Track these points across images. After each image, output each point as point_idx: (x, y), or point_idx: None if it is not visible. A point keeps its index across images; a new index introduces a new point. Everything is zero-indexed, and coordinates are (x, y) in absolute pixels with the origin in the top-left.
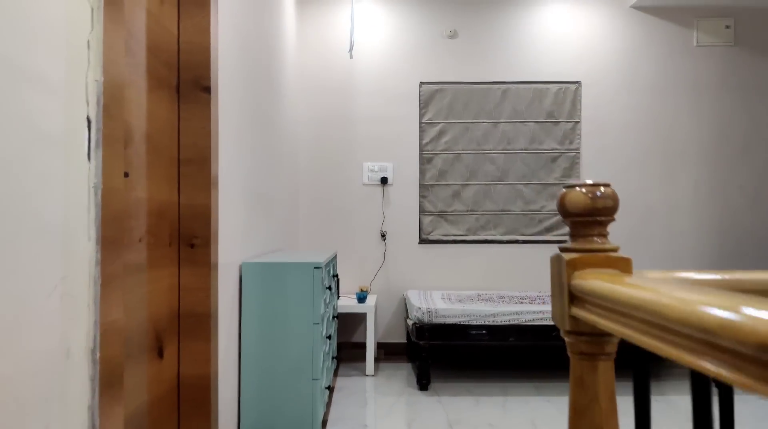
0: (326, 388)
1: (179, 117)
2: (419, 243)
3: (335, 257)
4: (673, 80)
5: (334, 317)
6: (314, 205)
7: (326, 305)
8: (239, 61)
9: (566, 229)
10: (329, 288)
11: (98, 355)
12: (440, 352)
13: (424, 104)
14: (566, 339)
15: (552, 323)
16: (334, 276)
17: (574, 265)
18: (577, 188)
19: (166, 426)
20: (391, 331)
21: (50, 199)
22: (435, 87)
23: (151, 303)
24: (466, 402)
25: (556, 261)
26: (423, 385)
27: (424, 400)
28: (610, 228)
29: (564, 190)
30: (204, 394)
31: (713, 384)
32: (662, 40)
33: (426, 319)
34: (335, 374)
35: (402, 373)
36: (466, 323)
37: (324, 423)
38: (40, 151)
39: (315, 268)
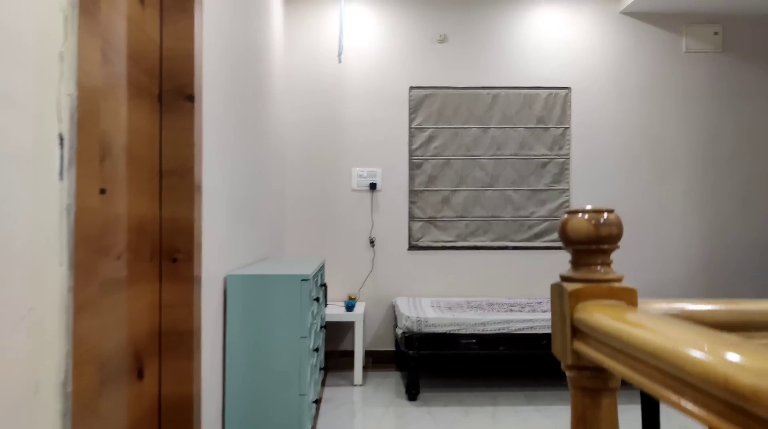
0: (313, 402)
1: (161, 127)
2: (408, 249)
3: (323, 266)
4: (662, 86)
5: (321, 327)
6: (302, 212)
7: (314, 317)
8: (224, 67)
9: (555, 235)
10: (317, 299)
11: (70, 388)
12: (429, 361)
13: (414, 109)
14: (567, 373)
15: (542, 332)
16: (322, 285)
17: (576, 297)
18: (580, 214)
19: None
20: (379, 339)
21: (17, 223)
22: (425, 92)
23: (131, 322)
24: (455, 413)
25: (557, 291)
26: (412, 395)
27: (413, 411)
28: None
29: (566, 215)
30: (186, 413)
31: None
32: (652, 46)
33: (415, 329)
34: (323, 384)
35: (390, 382)
36: (456, 332)
37: None
38: (5, 173)
39: (302, 280)
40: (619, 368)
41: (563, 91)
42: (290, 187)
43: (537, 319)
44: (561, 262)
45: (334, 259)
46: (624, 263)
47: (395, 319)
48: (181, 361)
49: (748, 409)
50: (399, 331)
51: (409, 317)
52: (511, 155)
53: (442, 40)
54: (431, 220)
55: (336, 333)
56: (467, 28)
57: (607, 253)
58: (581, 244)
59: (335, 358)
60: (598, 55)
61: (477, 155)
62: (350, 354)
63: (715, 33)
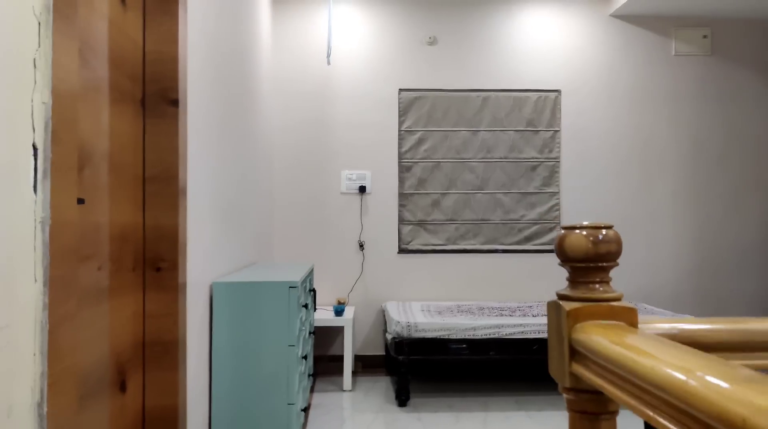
0: (302, 410)
1: (144, 132)
2: (398, 253)
3: (312, 271)
4: (652, 89)
5: (310, 333)
6: (290, 215)
7: (302, 323)
8: (209, 69)
9: (546, 238)
10: (305, 306)
11: (45, 409)
12: (420, 367)
13: (404, 111)
14: (565, 395)
15: (533, 336)
16: (310, 291)
17: (575, 317)
18: (577, 231)
19: None
20: (369, 344)
21: None
22: (414, 94)
23: (114, 334)
24: (446, 419)
25: (554, 309)
26: (402, 401)
27: (403, 417)
28: None
29: (562, 231)
30: (171, 426)
31: None
32: (642, 49)
33: (405, 334)
34: (312, 390)
35: (380, 387)
36: (446, 337)
37: None
38: None
39: (290, 287)
40: (621, 396)
41: (553, 94)
42: (278, 190)
43: (528, 323)
44: (551, 265)
45: (323, 263)
46: (614, 268)
47: (385, 323)
48: (166, 372)
49: None
50: (389, 336)
51: (399, 322)
52: (501, 158)
53: (432, 42)
54: (421, 224)
55: (325, 338)
56: (457, 29)
57: (606, 270)
58: (579, 261)
59: (324, 363)
60: (588, 57)
61: (467, 158)
62: (339, 359)
63: (704, 36)
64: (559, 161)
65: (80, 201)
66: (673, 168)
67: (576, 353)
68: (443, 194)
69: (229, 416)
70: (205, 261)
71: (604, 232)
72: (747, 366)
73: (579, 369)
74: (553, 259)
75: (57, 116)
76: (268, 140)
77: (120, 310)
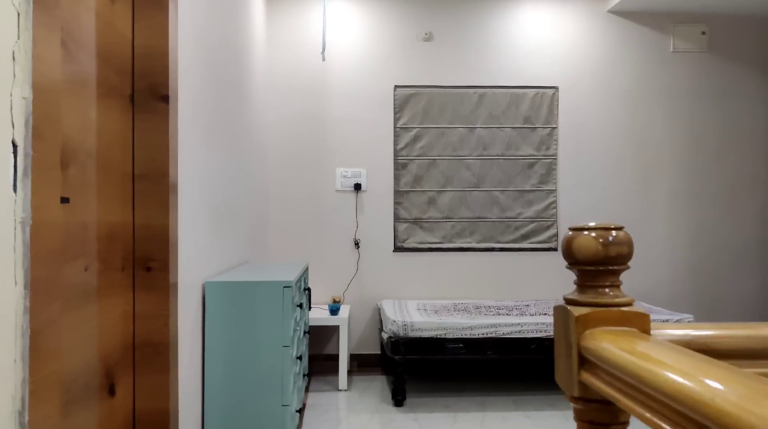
0: (297, 411)
1: (134, 129)
2: (394, 251)
3: (307, 270)
4: (650, 86)
5: (305, 333)
6: (285, 213)
7: (297, 323)
8: (202, 65)
9: (543, 236)
10: (300, 305)
11: (27, 417)
12: (416, 366)
13: (399, 108)
14: (573, 405)
15: (530, 336)
16: (305, 289)
17: (584, 323)
18: (586, 232)
19: None
20: (364, 342)
21: None
22: (410, 91)
23: (102, 336)
24: (443, 420)
25: (561, 314)
26: (398, 401)
27: (399, 417)
28: None
29: (570, 233)
30: None
31: None
32: (639, 45)
33: (401, 333)
34: (307, 390)
35: (376, 387)
36: (443, 336)
37: None
38: None
39: (285, 287)
40: (635, 408)
41: (550, 91)
42: (273, 188)
43: (525, 322)
44: (548, 263)
45: (318, 262)
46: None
47: (380, 322)
48: (157, 375)
49: None
50: (385, 336)
51: (395, 321)
52: (498, 155)
53: (428, 38)
54: (417, 222)
55: (320, 336)
56: (453, 25)
57: (617, 274)
58: (588, 264)
59: (320, 362)
60: (586, 54)
61: (463, 155)
62: (335, 358)
63: (702, 33)
64: (556, 158)
65: (64, 200)
66: (670, 165)
67: (585, 361)
68: (439, 192)
69: (223, 419)
70: (197, 260)
71: (614, 233)
72: (765, 374)
73: (589, 378)
74: (551, 258)
75: (38, 112)
76: (262, 137)
77: (109, 312)
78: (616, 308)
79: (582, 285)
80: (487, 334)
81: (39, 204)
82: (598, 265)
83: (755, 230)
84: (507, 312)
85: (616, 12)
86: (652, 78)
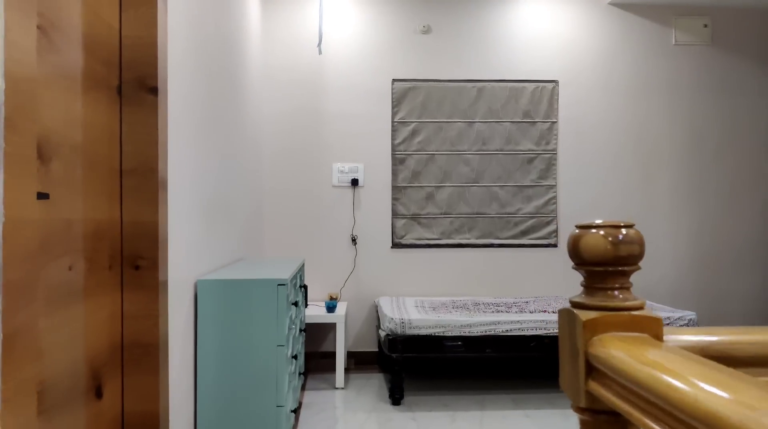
0: (292, 411)
1: (121, 122)
2: (391, 247)
3: (303, 266)
4: (651, 80)
5: (301, 330)
6: (281, 209)
7: (292, 322)
8: (194, 56)
9: (542, 232)
10: (295, 303)
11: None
12: (414, 364)
13: (397, 102)
14: (580, 416)
15: (530, 333)
16: (301, 287)
17: (592, 328)
18: (594, 230)
19: None
20: (362, 340)
21: None
22: (408, 84)
23: (88, 337)
24: (441, 418)
25: (567, 318)
26: (396, 399)
27: (396, 416)
28: None
29: (577, 231)
30: None
31: None
32: (641, 38)
33: (399, 331)
34: (303, 388)
35: (373, 385)
36: (441, 334)
37: None
38: None
39: (279, 285)
40: (648, 423)
41: (550, 85)
42: (268, 183)
43: (525, 320)
44: (548, 260)
45: (315, 258)
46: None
47: (378, 319)
48: (146, 376)
49: None
50: (382, 333)
51: (392, 319)
52: (497, 150)
53: (426, 30)
54: (415, 217)
55: (317, 333)
56: (452, 18)
57: (627, 275)
58: (596, 265)
59: (316, 360)
60: (586, 47)
61: (462, 150)
62: (332, 355)
63: (705, 25)
64: (556, 153)
65: (43, 196)
66: (672, 160)
67: (593, 369)
68: (437, 187)
69: (216, 420)
70: (189, 257)
71: (624, 231)
72: None
73: (597, 388)
74: (550, 254)
75: (11, 102)
76: (257, 132)
77: (95, 312)
78: (626, 312)
79: (590, 287)
80: (486, 331)
81: (12, 200)
82: (607, 266)
83: (758, 226)
84: (506, 309)
85: (616, 4)
86: (653, 71)
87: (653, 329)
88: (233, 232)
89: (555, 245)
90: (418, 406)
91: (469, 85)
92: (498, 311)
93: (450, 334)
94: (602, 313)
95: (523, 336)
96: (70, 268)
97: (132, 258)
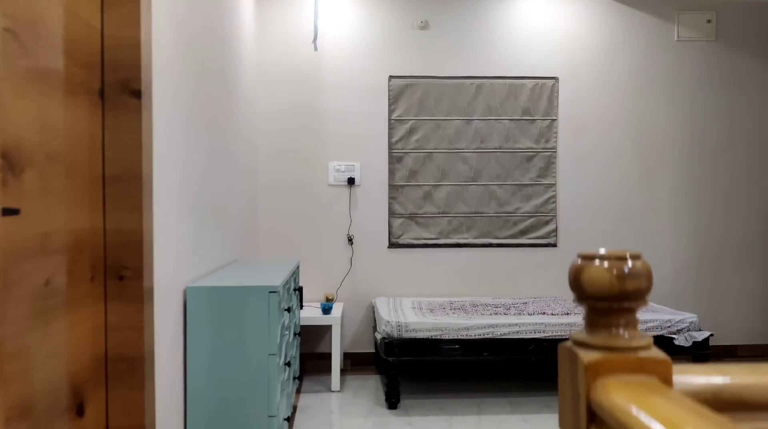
0: (285, 419)
1: (104, 127)
2: (388, 247)
3: (297, 269)
4: (653, 76)
5: (296, 334)
6: (276, 209)
7: (285, 328)
8: (181, 54)
9: (542, 231)
10: (288, 309)
11: None
12: (410, 367)
13: (394, 100)
14: None
15: (528, 336)
16: (295, 290)
17: (594, 371)
18: (597, 261)
19: None
20: (358, 341)
21: None
22: (405, 81)
23: (69, 353)
24: (438, 423)
25: (568, 357)
26: (392, 403)
27: (393, 421)
28: (587, 227)
29: (579, 261)
30: None
31: None
32: (642, 34)
33: (395, 334)
34: (298, 391)
35: (370, 387)
36: (438, 337)
37: None
38: None
39: (270, 292)
40: None
41: (550, 81)
42: (263, 183)
43: (523, 323)
44: (547, 259)
45: (311, 258)
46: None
47: (375, 320)
48: (131, 391)
49: None
50: (378, 336)
51: (389, 322)
52: (496, 148)
53: (424, 26)
54: (412, 217)
55: (313, 334)
56: (450, 13)
57: (633, 311)
58: (600, 300)
59: (312, 360)
60: (587, 43)
61: (460, 148)
62: (328, 356)
63: (708, 21)
64: (555, 151)
65: (10, 211)
66: (674, 158)
67: (595, 418)
68: (435, 186)
69: None
70: (178, 264)
71: (630, 263)
72: None
73: None
74: (550, 254)
75: None
76: (251, 131)
77: (76, 326)
78: (632, 353)
79: (592, 323)
80: (483, 334)
81: None
82: (611, 302)
83: (760, 225)
84: (505, 310)
85: None
86: (655, 68)
87: (661, 372)
88: (226, 233)
89: (554, 245)
90: (414, 410)
91: (468, 81)
92: (496, 313)
93: (447, 337)
94: (606, 353)
95: (521, 339)
96: (46, 284)
97: (115, 268)
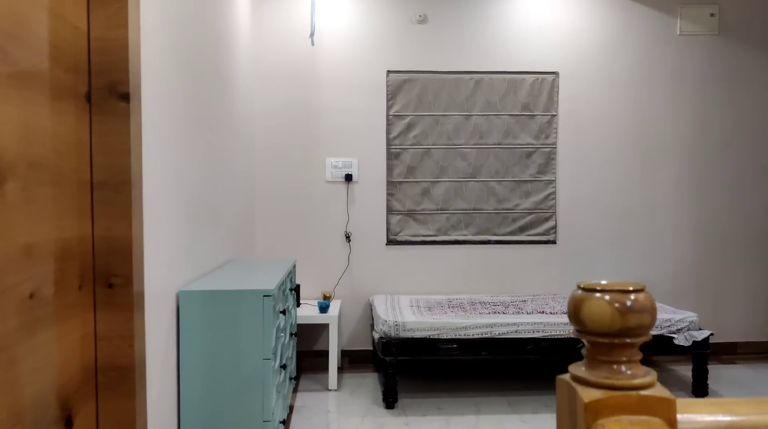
0: (281, 422)
1: (91, 132)
2: (386, 244)
3: (294, 268)
4: (655, 71)
5: (292, 334)
6: (273, 206)
7: (280, 331)
8: (173, 53)
9: (541, 228)
10: (284, 312)
11: None
12: (408, 366)
13: (392, 95)
14: None
15: (527, 336)
16: (292, 289)
17: (595, 411)
18: (598, 294)
19: None
20: (356, 338)
21: None
22: (403, 76)
23: (57, 364)
24: (435, 423)
25: (567, 394)
26: (389, 403)
27: (390, 421)
28: (587, 226)
29: (579, 292)
30: None
31: None
32: (644, 28)
33: (393, 333)
34: (295, 390)
35: (367, 385)
36: (436, 337)
37: None
38: None
39: (265, 296)
40: None
41: (550, 76)
42: (260, 180)
43: (522, 322)
44: (546, 256)
45: (308, 256)
46: (613, 258)
47: (372, 318)
48: (122, 401)
49: None
50: (376, 336)
51: (386, 321)
52: (495, 144)
53: (422, 20)
54: (410, 214)
55: (310, 332)
56: (448, 7)
57: (635, 346)
58: (601, 335)
59: (309, 358)
60: (588, 37)
61: (459, 144)
62: (325, 354)
63: (712, 14)
64: (555, 147)
65: None
66: (676, 154)
67: None
68: (434, 182)
69: None
70: (171, 267)
71: (633, 296)
72: None
73: None
74: (549, 251)
75: None
76: (247, 127)
77: (64, 336)
78: (634, 392)
79: (593, 359)
80: (482, 334)
81: None
82: (613, 338)
83: (763, 222)
84: (503, 309)
85: None
86: (657, 62)
87: (665, 412)
88: (222, 232)
89: (554, 242)
90: (412, 410)
91: (467, 76)
92: (495, 311)
93: (445, 336)
94: (607, 392)
95: (520, 339)
96: (31, 296)
97: (105, 276)
